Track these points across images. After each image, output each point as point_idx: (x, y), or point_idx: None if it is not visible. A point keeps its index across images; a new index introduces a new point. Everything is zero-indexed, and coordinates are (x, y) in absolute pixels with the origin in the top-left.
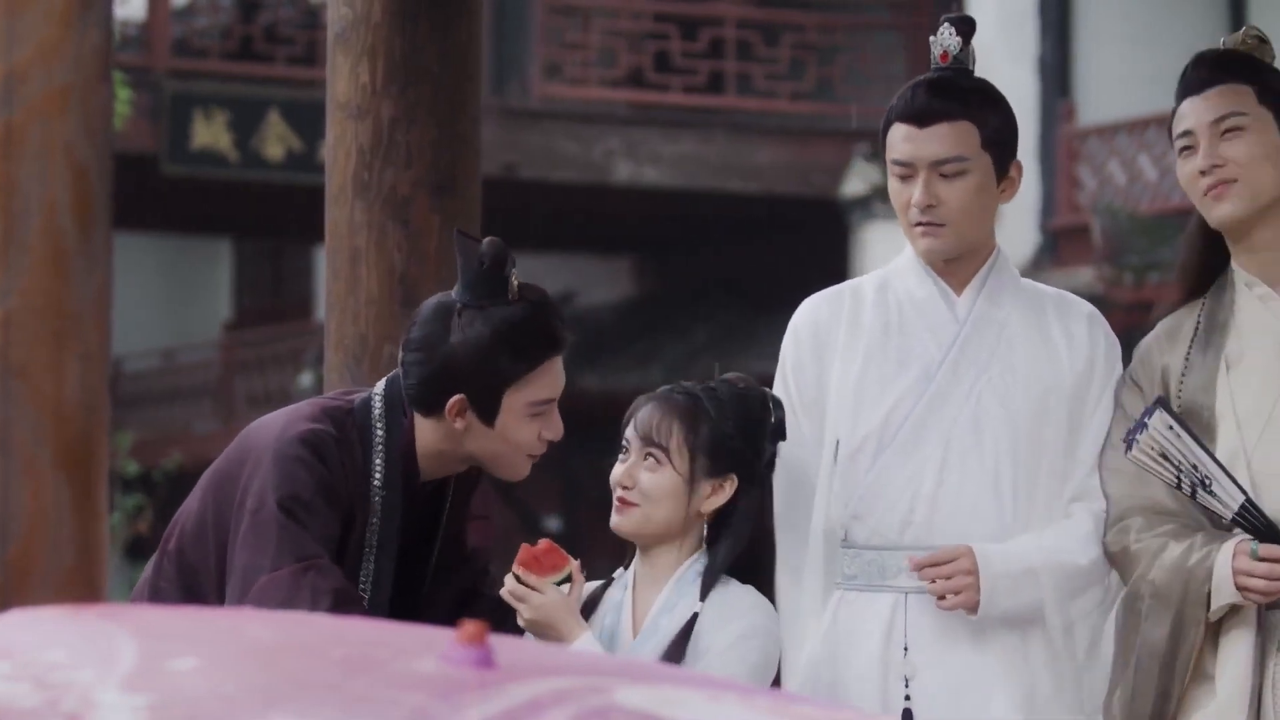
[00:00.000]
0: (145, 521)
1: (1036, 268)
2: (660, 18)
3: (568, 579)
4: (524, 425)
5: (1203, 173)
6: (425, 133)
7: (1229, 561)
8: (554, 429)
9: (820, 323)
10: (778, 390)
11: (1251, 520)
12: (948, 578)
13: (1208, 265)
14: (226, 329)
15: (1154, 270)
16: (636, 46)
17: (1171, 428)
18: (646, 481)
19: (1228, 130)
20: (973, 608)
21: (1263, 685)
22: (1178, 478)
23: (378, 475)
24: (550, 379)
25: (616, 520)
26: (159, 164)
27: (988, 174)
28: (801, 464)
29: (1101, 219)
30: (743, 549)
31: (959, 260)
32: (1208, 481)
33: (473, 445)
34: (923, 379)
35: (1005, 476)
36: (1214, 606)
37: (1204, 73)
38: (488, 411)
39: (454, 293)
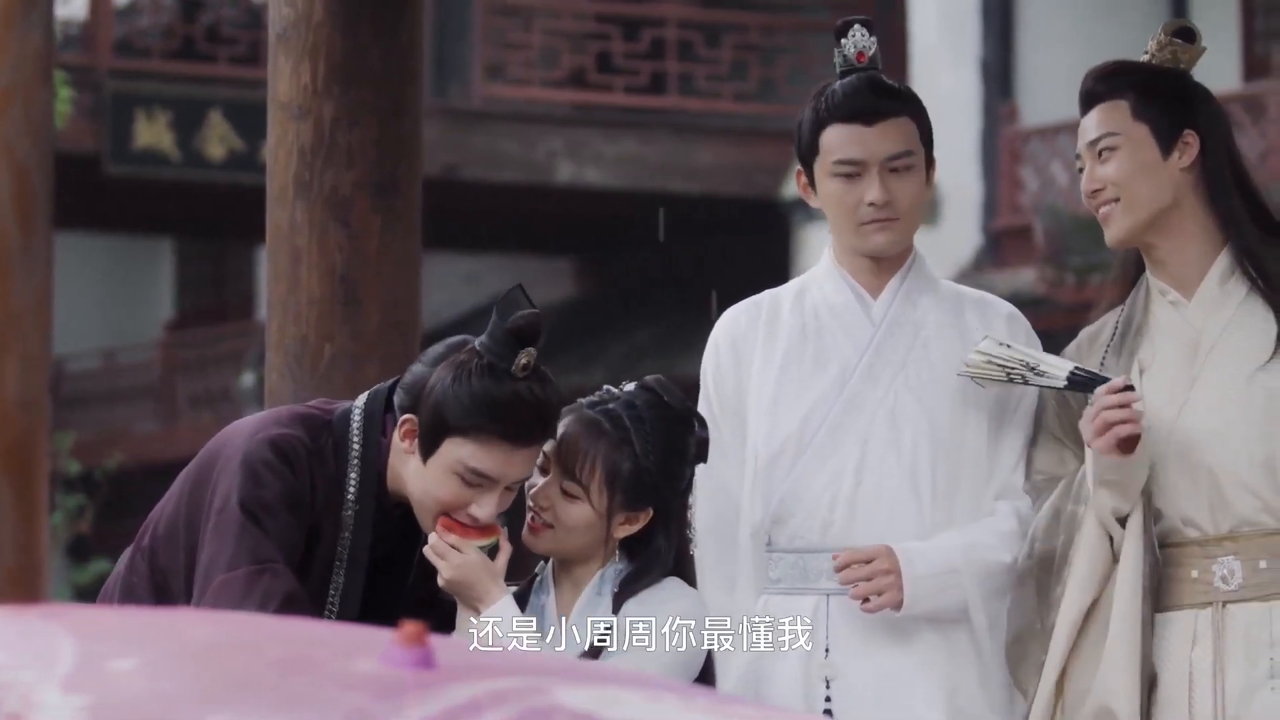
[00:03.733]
0: (86, 521)
1: (978, 269)
2: (602, 18)
3: (495, 547)
4: (451, 482)
5: (1089, 196)
6: (367, 133)
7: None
8: (485, 510)
9: (738, 333)
10: (701, 402)
11: (1081, 379)
12: (868, 579)
13: (1133, 273)
14: (168, 329)
15: (1096, 271)
16: (578, 47)
17: (1002, 344)
18: (563, 513)
19: (1102, 151)
20: (896, 607)
21: (1193, 675)
22: (1008, 375)
23: (351, 489)
24: (495, 458)
25: (529, 538)
26: (101, 164)
27: (924, 169)
28: (725, 472)
29: (1044, 220)
30: (656, 578)
31: (882, 261)
32: (1036, 366)
33: (406, 475)
34: (839, 382)
35: (924, 475)
36: (1089, 487)
37: (1087, 87)
38: (427, 447)
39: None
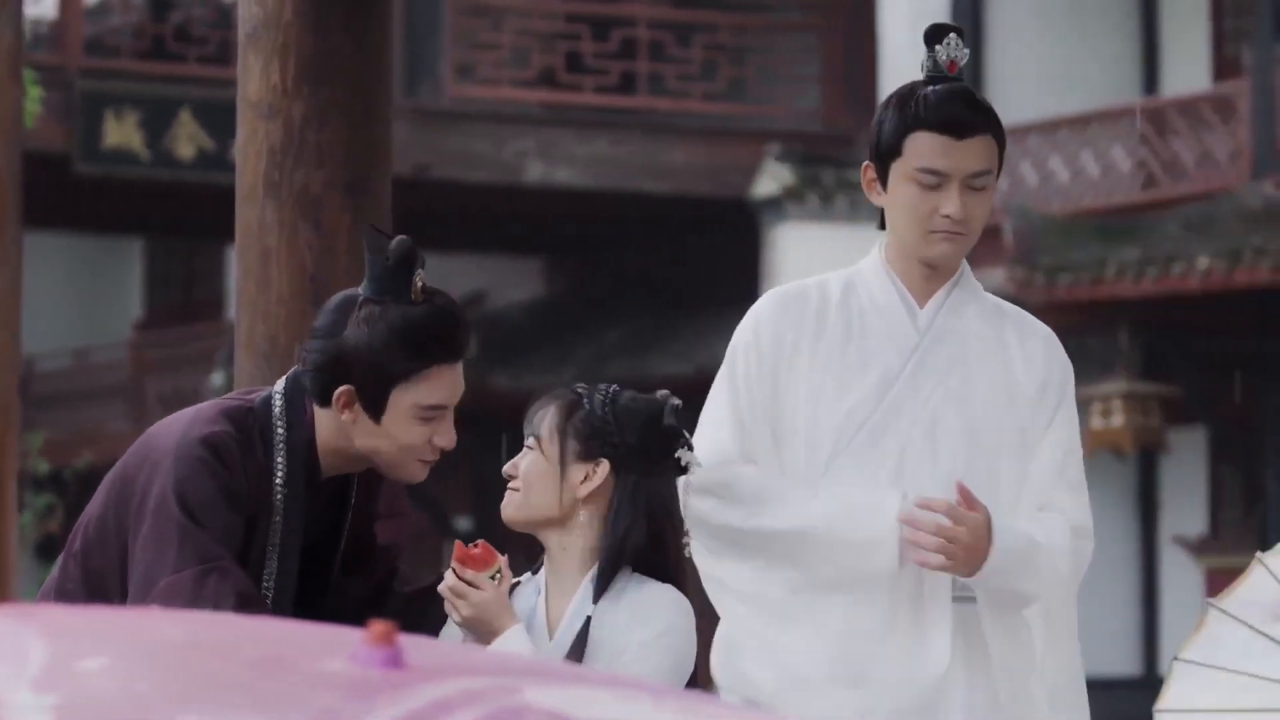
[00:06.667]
0: (56, 521)
1: None
2: (572, 18)
3: (497, 573)
4: (411, 427)
5: None
6: (337, 133)
7: None
8: (446, 437)
9: (783, 333)
10: (721, 389)
11: None
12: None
13: None
14: (138, 328)
15: (1065, 271)
16: (548, 47)
17: None
18: (523, 467)
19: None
20: (964, 569)
21: None
22: None
23: (279, 473)
24: (442, 385)
25: (503, 508)
26: (71, 163)
27: (994, 182)
28: (734, 440)
29: (1013, 220)
30: (621, 545)
31: (934, 269)
32: None
33: (361, 442)
34: (880, 387)
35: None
36: None
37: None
38: (374, 408)
39: (361, 287)
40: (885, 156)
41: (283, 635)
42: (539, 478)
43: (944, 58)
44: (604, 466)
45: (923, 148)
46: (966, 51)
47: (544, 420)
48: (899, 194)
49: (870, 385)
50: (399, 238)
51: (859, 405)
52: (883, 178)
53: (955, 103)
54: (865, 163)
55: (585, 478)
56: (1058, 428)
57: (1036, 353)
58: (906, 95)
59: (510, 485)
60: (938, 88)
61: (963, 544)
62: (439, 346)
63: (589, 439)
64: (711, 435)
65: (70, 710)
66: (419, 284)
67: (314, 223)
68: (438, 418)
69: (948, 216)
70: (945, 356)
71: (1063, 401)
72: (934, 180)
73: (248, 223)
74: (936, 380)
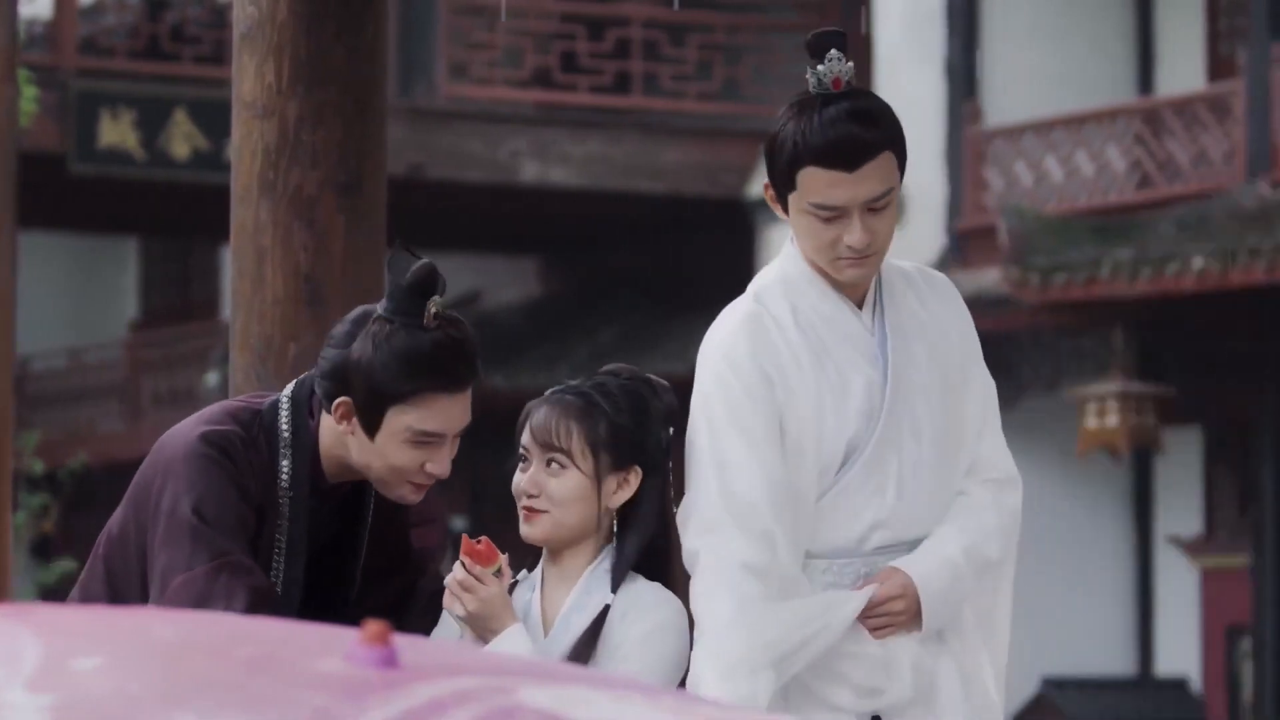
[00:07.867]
0: (51, 521)
1: (943, 269)
2: (567, 18)
3: (498, 570)
4: (403, 450)
5: None
6: (331, 132)
7: None
8: (439, 465)
9: (762, 365)
10: (722, 429)
11: None
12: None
13: None
14: (133, 328)
15: (1060, 271)
16: (543, 47)
17: None
18: (554, 488)
19: None
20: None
21: None
22: None
23: (284, 476)
24: (438, 414)
25: (526, 530)
26: (66, 163)
27: (898, 192)
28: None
29: (1008, 220)
30: (647, 541)
31: None
32: None
33: (357, 456)
34: (867, 402)
35: (944, 479)
36: None
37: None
38: (369, 424)
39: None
40: (780, 186)
41: (278, 635)
42: (578, 498)
43: (828, 75)
44: (637, 474)
45: (815, 183)
46: (850, 65)
47: (567, 434)
48: (799, 223)
49: (859, 403)
50: (422, 262)
51: (860, 429)
52: (782, 201)
53: (844, 127)
54: (765, 182)
55: (618, 486)
56: (976, 370)
57: (949, 303)
58: (799, 111)
59: (531, 505)
60: (828, 112)
61: (900, 611)
62: (438, 375)
63: (618, 447)
64: (727, 478)
65: (65, 709)
66: (432, 310)
67: (308, 222)
68: (432, 444)
69: (851, 246)
70: (902, 351)
71: (974, 342)
72: (831, 214)
73: (243, 222)
74: (904, 377)
